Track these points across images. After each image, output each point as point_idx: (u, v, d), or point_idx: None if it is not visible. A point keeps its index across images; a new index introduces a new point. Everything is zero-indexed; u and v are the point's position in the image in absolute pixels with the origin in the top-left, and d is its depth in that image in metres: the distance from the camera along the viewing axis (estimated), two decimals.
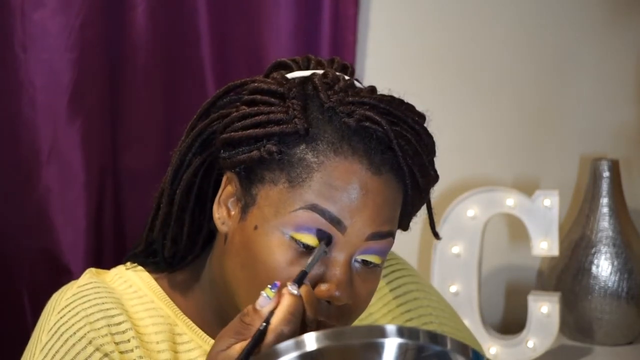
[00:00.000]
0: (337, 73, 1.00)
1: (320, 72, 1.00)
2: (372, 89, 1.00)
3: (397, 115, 0.96)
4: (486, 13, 2.12)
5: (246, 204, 0.96)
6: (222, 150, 0.99)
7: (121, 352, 0.98)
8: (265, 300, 0.88)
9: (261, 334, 0.85)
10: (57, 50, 1.88)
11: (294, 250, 0.93)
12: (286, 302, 0.87)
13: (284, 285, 0.89)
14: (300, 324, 0.87)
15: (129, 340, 0.99)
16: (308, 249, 0.93)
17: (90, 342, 0.97)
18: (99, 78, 1.93)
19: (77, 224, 1.93)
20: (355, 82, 1.01)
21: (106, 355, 0.97)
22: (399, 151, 0.94)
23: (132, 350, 0.99)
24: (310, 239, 0.93)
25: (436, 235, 1.05)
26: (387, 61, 2.12)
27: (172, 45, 1.98)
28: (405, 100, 1.00)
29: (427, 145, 0.98)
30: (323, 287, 0.93)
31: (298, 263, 0.93)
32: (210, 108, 1.02)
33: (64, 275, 1.90)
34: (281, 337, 0.85)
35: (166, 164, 1.04)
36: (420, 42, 2.13)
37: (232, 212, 0.98)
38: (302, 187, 0.93)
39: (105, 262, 1.96)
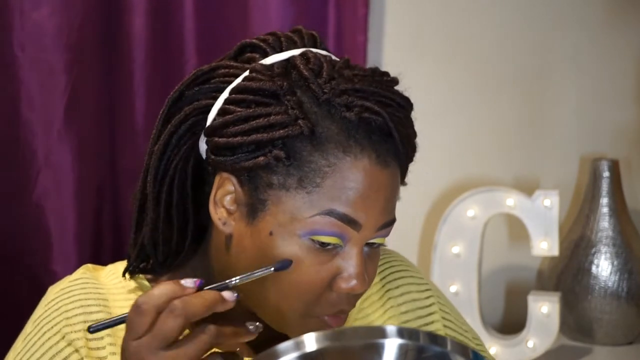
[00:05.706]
0: (315, 51, 0.98)
1: (298, 53, 0.97)
2: (348, 63, 0.97)
3: (387, 95, 0.95)
4: (487, 13, 2.11)
5: (254, 208, 0.94)
6: (213, 153, 0.96)
7: (90, 349, 0.99)
8: (190, 282, 0.87)
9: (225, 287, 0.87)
10: (56, 50, 1.88)
11: (314, 250, 0.93)
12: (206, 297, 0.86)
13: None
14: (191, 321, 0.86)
15: (102, 338, 0.99)
16: (324, 246, 0.93)
17: (63, 337, 0.99)
18: (97, 78, 1.93)
19: (75, 225, 1.92)
20: (332, 55, 0.99)
21: (76, 350, 0.98)
22: (398, 137, 0.94)
23: (104, 348, 0.99)
24: (327, 239, 0.93)
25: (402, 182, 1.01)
26: (386, 63, 2.12)
27: (170, 45, 1.98)
28: (375, 69, 0.98)
29: (409, 115, 0.97)
30: (343, 284, 0.94)
31: (321, 261, 0.94)
32: (179, 99, 1.00)
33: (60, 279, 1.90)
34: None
35: None
36: (419, 43, 2.12)
37: (233, 213, 0.96)
38: (317, 193, 0.92)
39: (104, 264, 1.96)
